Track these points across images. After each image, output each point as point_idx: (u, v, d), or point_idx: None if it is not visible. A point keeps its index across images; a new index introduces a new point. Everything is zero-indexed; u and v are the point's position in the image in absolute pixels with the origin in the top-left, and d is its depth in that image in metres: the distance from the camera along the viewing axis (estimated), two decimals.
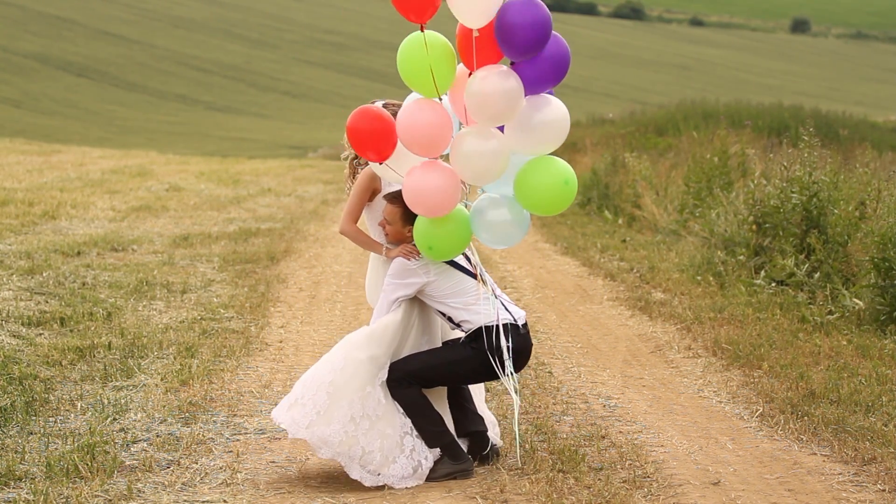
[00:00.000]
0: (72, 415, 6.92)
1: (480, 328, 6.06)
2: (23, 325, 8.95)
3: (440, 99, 5.88)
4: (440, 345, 6.27)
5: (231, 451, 6.41)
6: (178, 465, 6.14)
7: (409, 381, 6.03)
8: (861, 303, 9.86)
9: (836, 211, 11.12)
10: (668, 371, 8.50)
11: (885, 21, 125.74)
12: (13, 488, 5.66)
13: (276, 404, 7.29)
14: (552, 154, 6.04)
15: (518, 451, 6.27)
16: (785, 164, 12.23)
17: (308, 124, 53.80)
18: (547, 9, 5.66)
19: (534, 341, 7.22)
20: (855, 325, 9.60)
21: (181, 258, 12.73)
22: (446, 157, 6.04)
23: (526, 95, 5.82)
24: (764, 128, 25.38)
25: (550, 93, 5.98)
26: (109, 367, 7.98)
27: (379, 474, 5.91)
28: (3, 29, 69.31)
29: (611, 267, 13.13)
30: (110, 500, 5.60)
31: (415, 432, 6.03)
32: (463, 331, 6.13)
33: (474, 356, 6.07)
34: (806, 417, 7.10)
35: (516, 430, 6.26)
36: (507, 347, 6.04)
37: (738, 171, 15.68)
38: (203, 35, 78.50)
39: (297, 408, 5.97)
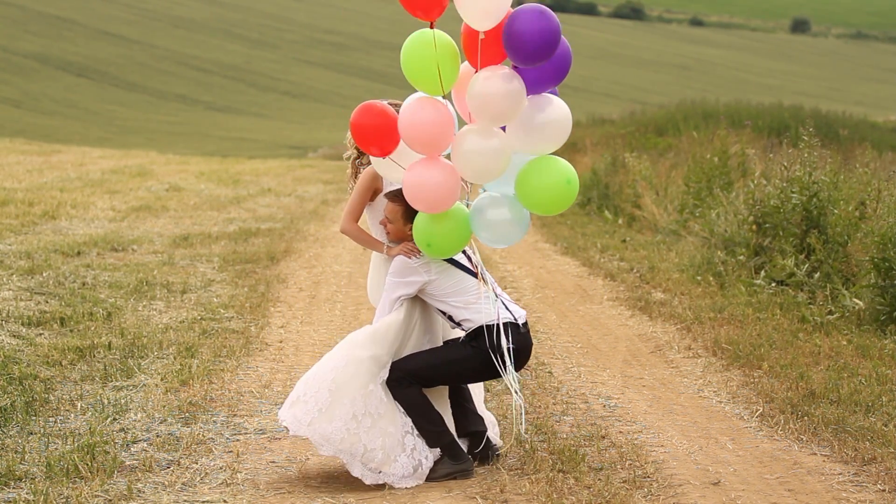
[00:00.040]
0: (72, 415, 6.92)
1: (481, 327, 6.06)
2: (23, 325, 8.95)
3: (446, 95, 5.89)
4: (441, 344, 6.27)
5: (231, 451, 6.41)
6: (178, 465, 6.14)
7: (409, 380, 6.03)
8: (861, 303, 9.86)
9: (836, 211, 11.12)
10: (668, 371, 8.50)
11: (885, 21, 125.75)
12: (13, 488, 5.66)
13: (276, 404, 7.31)
14: (553, 153, 6.05)
15: (521, 423, 6.27)
16: (785, 164, 12.22)
17: (308, 124, 53.80)
18: (556, 19, 5.65)
19: (534, 341, 7.22)
20: (855, 325, 9.60)
21: (181, 258, 12.73)
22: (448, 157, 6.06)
23: (528, 95, 5.83)
24: (764, 128, 25.39)
25: (554, 92, 5.99)
26: (109, 367, 7.98)
27: (380, 472, 5.91)
28: (3, 29, 69.31)
29: (611, 267, 13.13)
30: (110, 500, 5.60)
31: (416, 431, 6.04)
32: (463, 330, 6.13)
33: (475, 355, 6.07)
34: (806, 417, 7.10)
35: (522, 428, 6.26)
36: (508, 347, 6.04)
37: (738, 171, 15.68)
38: (203, 35, 78.50)
39: (299, 405, 5.97)
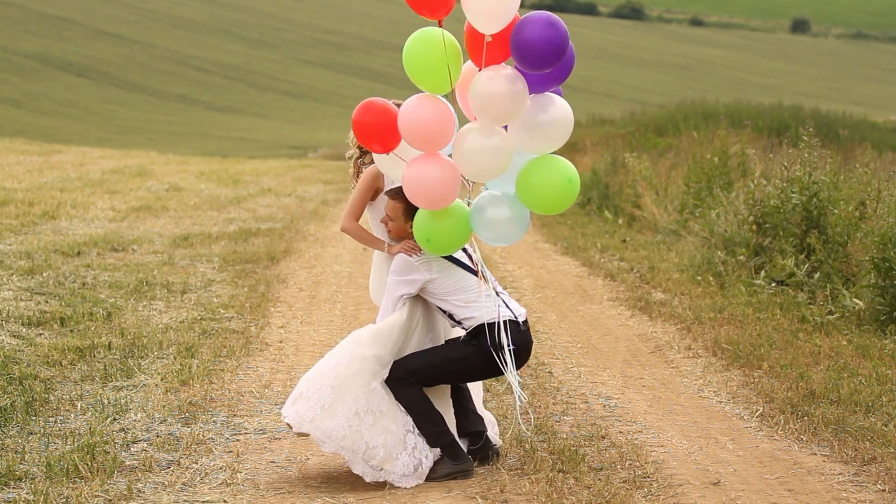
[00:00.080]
0: (72, 415, 6.91)
1: (482, 325, 6.06)
2: (23, 325, 8.95)
3: (452, 89, 5.89)
4: (443, 343, 6.27)
5: (231, 451, 6.41)
6: (178, 465, 6.14)
7: (410, 380, 6.03)
8: (861, 303, 9.86)
9: (836, 211, 11.12)
10: (668, 371, 8.50)
11: (885, 21, 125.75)
12: (13, 488, 5.66)
13: (276, 404, 7.31)
14: (554, 153, 6.05)
15: (528, 418, 6.27)
16: (785, 164, 12.22)
17: (308, 124, 53.81)
18: (565, 28, 5.65)
19: (534, 341, 7.22)
20: (855, 325, 9.60)
21: (181, 258, 12.73)
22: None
23: (530, 94, 5.83)
24: (764, 128, 25.38)
25: (558, 91, 5.99)
26: (109, 367, 7.98)
27: (381, 469, 5.91)
28: (3, 29, 69.31)
29: (611, 267, 13.13)
30: (110, 500, 5.60)
31: (417, 430, 6.04)
32: (464, 328, 6.13)
33: (475, 353, 6.07)
34: (806, 417, 7.10)
35: (522, 425, 6.26)
36: (508, 345, 6.04)
37: (738, 171, 15.68)
38: (203, 35, 78.50)
39: (301, 402, 5.97)
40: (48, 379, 7.59)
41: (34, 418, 6.79)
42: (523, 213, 6.08)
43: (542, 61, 5.64)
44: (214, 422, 6.93)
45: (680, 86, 69.64)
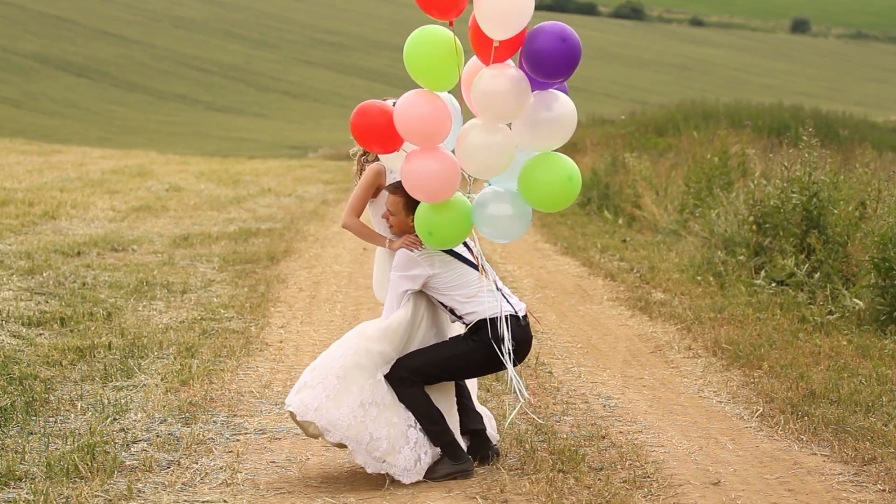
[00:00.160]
0: (72, 415, 6.92)
1: (482, 320, 6.06)
2: (23, 325, 8.95)
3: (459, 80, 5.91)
4: (448, 338, 6.27)
5: (231, 451, 6.41)
6: (178, 465, 6.14)
7: (412, 379, 6.03)
8: (861, 303, 9.86)
9: (836, 211, 11.12)
10: (668, 371, 8.50)
11: (885, 21, 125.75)
12: (13, 488, 5.66)
13: (276, 404, 7.32)
14: (556, 150, 6.05)
15: (531, 412, 6.27)
16: (785, 164, 12.23)
17: (308, 124, 53.82)
18: (578, 41, 5.64)
19: (534, 341, 7.22)
20: (855, 325, 9.60)
21: (181, 258, 12.73)
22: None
23: (534, 90, 5.83)
24: (764, 128, 25.38)
25: (562, 88, 5.98)
26: (109, 367, 7.98)
27: (384, 461, 5.93)
28: (3, 29, 69.31)
29: (611, 267, 13.13)
30: (110, 500, 5.60)
31: (418, 426, 6.05)
32: (465, 323, 6.13)
33: (476, 349, 6.08)
34: (806, 417, 7.10)
35: (534, 421, 6.25)
36: (509, 342, 6.04)
37: (738, 171, 15.68)
38: (203, 35, 78.51)
39: (306, 391, 5.98)
40: (48, 379, 7.59)
41: (34, 418, 6.79)
42: (525, 209, 6.09)
43: (556, 74, 5.67)
44: (214, 422, 6.93)
45: (680, 86, 69.64)
